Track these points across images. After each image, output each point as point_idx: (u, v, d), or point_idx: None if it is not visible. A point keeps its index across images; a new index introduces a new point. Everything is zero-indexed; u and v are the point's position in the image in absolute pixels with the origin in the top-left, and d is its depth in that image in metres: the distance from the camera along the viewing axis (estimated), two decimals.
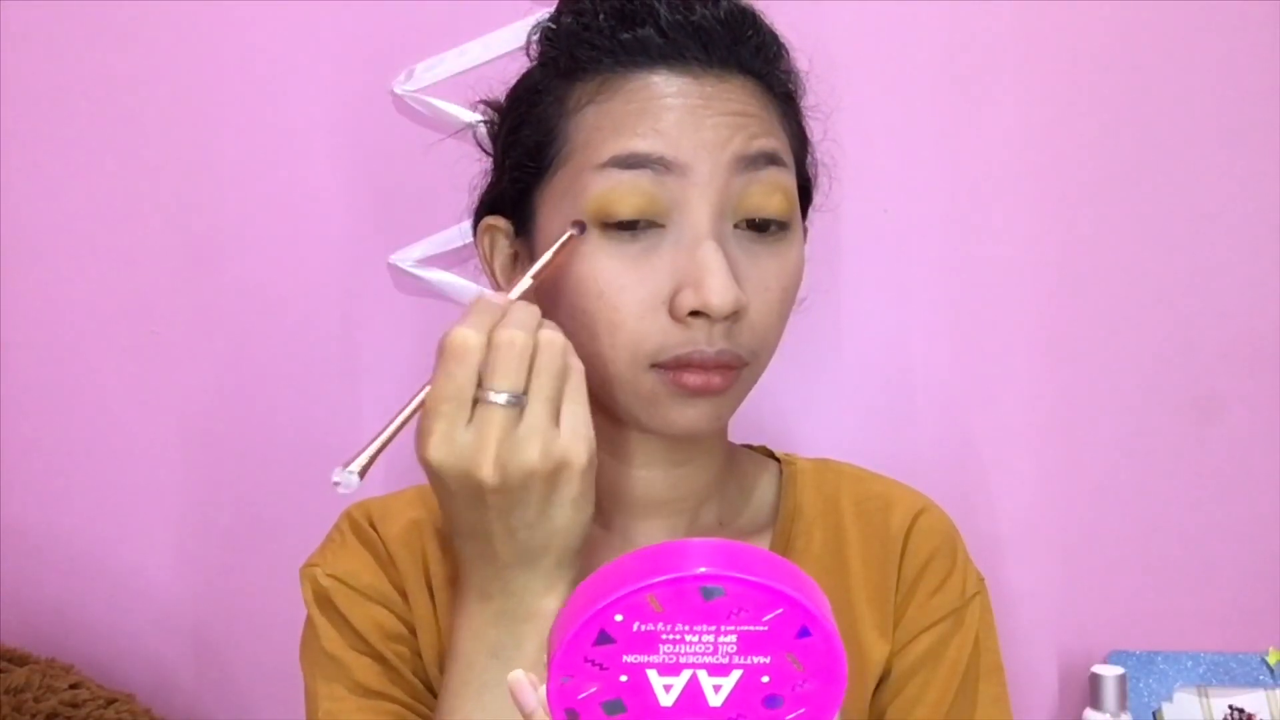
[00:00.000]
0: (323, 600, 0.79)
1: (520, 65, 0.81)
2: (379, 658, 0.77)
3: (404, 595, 0.79)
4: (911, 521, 0.83)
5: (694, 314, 0.69)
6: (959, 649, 0.80)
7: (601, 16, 0.73)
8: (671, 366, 0.71)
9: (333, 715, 0.76)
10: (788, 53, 0.78)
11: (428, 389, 0.65)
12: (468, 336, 0.64)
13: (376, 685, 0.76)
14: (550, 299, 0.75)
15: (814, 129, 0.82)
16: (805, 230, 0.81)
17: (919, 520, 0.83)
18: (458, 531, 0.68)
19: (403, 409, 0.65)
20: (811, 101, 0.81)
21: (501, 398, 0.64)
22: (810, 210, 0.83)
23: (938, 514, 0.85)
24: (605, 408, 0.74)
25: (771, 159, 0.72)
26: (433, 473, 0.65)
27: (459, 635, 0.69)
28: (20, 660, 1.07)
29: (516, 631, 0.67)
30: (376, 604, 0.78)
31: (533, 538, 0.66)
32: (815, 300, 0.86)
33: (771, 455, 0.89)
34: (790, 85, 0.78)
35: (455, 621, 0.69)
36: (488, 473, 0.64)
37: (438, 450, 0.64)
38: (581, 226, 0.71)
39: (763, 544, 0.82)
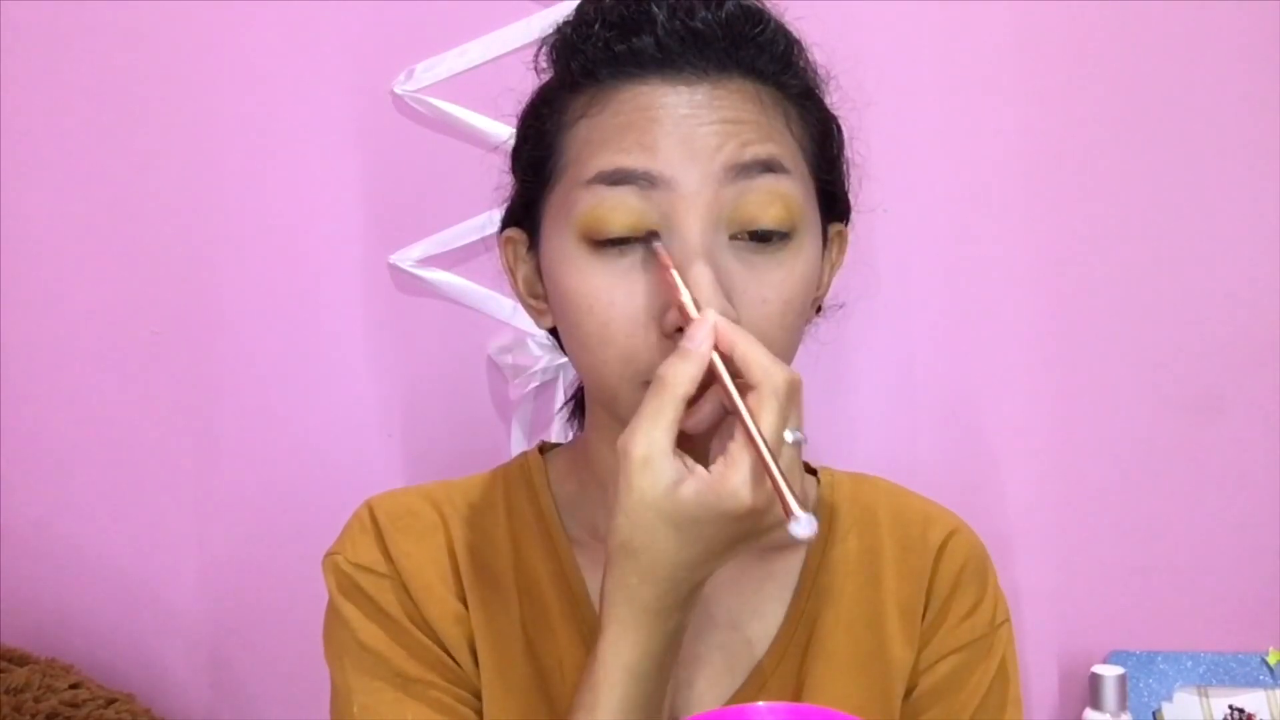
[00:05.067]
0: (348, 588, 0.78)
1: (521, 66, 0.81)
2: (413, 642, 0.76)
3: (428, 585, 0.78)
4: (945, 539, 0.83)
5: (681, 331, 0.68)
6: (983, 675, 0.81)
7: (598, 26, 0.72)
8: None
9: (369, 709, 0.75)
10: (802, 49, 0.76)
11: (769, 426, 0.63)
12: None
13: (414, 672, 0.76)
14: (553, 312, 0.75)
15: None
16: (843, 235, 0.80)
17: (952, 539, 0.83)
18: (699, 563, 0.65)
19: (761, 444, 0.62)
20: None
21: (802, 435, 0.64)
22: (849, 212, 0.81)
23: (971, 536, 0.85)
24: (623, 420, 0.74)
25: (768, 166, 0.70)
26: (752, 513, 0.63)
27: (625, 654, 0.66)
28: (20, 660, 1.07)
29: (677, 645, 0.68)
30: (402, 590, 0.78)
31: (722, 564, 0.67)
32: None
33: (806, 468, 0.88)
34: (807, 82, 0.76)
35: (621, 643, 0.67)
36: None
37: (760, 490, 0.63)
38: (654, 236, 0.69)
39: (799, 553, 0.82)
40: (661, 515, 0.63)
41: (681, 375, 0.64)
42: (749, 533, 0.64)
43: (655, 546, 0.64)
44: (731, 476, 0.62)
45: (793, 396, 0.64)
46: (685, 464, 0.64)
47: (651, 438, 0.63)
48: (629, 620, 0.66)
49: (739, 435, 0.63)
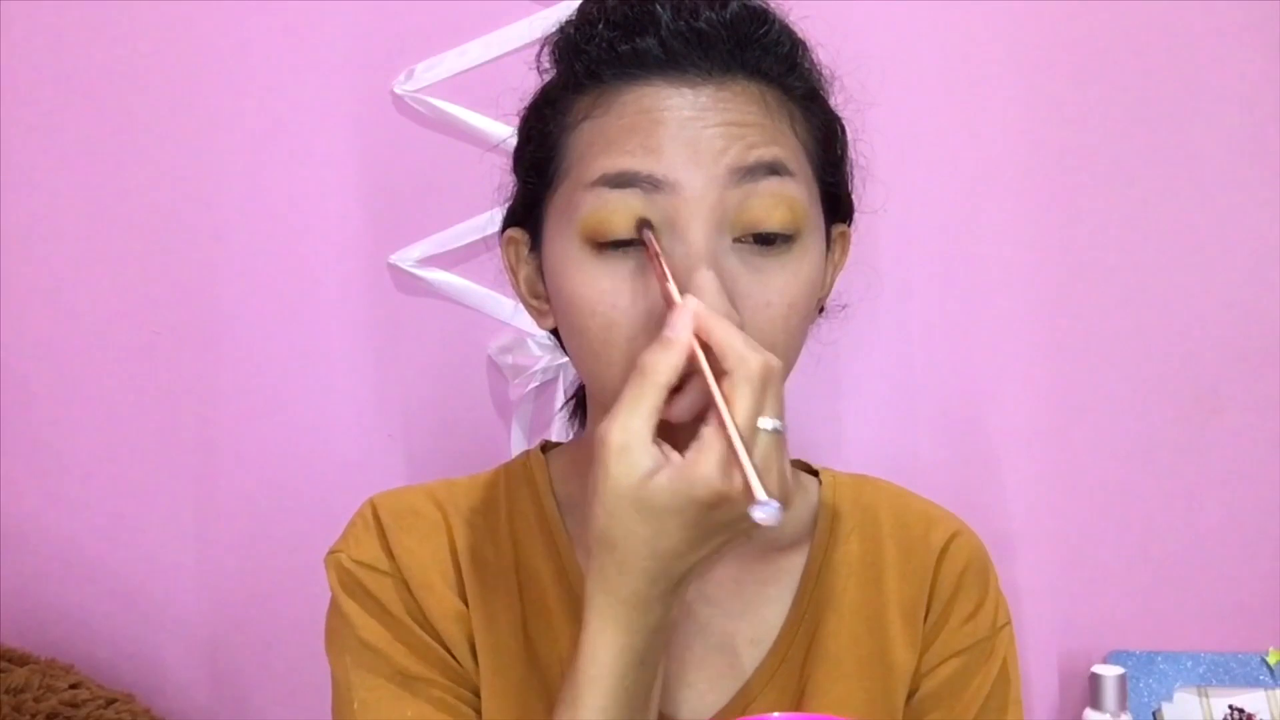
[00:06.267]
0: (350, 585, 0.78)
1: (521, 66, 0.81)
2: (414, 640, 0.77)
3: (429, 583, 0.78)
4: (947, 541, 0.83)
5: None
6: (984, 678, 0.81)
7: (602, 26, 0.72)
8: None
9: (369, 706, 0.75)
10: (806, 50, 0.76)
11: (742, 411, 0.61)
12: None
13: (415, 670, 0.76)
14: (555, 314, 0.75)
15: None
16: (846, 235, 0.80)
17: (954, 542, 0.83)
18: (678, 553, 0.64)
19: (731, 428, 0.61)
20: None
21: (780, 425, 0.63)
22: (853, 213, 0.81)
23: (973, 539, 0.85)
24: None
25: (772, 169, 0.70)
26: (718, 500, 0.62)
27: (605, 648, 0.66)
28: (20, 660, 1.07)
29: (662, 640, 0.67)
30: (404, 588, 0.78)
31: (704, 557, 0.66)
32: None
33: (809, 469, 0.88)
34: (812, 83, 0.76)
35: (601, 637, 0.66)
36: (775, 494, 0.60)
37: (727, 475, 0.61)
38: (645, 224, 0.69)
39: (801, 554, 0.82)
40: (636, 504, 0.62)
41: (661, 364, 0.63)
42: (726, 521, 0.63)
43: (631, 537, 0.63)
44: (701, 462, 0.61)
45: (768, 382, 0.63)
46: (664, 452, 0.63)
47: (630, 426, 0.63)
48: (608, 613, 0.65)
49: (713, 421, 0.62)
